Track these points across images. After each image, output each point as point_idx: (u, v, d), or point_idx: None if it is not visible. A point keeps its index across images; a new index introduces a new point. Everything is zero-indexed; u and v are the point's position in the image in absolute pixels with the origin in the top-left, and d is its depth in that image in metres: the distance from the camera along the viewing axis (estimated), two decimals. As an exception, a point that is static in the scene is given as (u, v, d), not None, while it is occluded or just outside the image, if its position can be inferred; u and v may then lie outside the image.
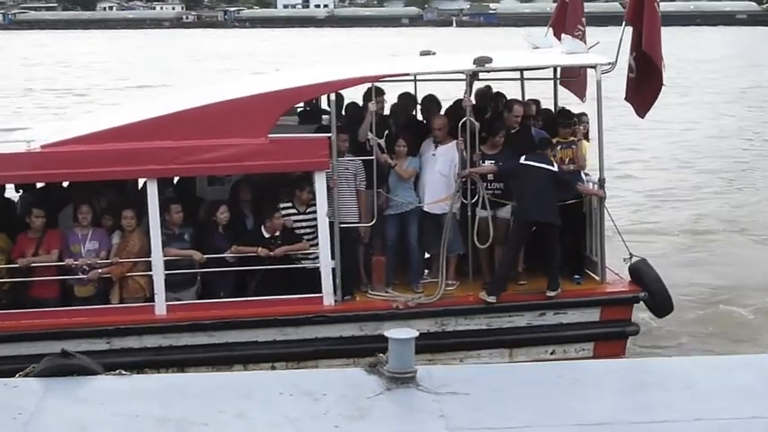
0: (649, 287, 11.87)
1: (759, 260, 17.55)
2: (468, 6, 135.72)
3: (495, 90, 13.36)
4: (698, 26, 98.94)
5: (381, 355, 8.32)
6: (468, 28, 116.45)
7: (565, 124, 12.29)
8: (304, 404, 8.03)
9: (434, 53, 13.55)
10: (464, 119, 11.70)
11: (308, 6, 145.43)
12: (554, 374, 8.56)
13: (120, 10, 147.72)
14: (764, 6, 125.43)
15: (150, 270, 11.27)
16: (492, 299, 11.56)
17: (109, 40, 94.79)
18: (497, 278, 11.61)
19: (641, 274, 11.90)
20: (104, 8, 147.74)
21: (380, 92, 12.04)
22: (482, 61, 11.67)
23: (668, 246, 18.47)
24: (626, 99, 12.46)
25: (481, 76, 12.83)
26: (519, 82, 13.99)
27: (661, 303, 12.02)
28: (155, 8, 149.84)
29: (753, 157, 29.34)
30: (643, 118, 12.72)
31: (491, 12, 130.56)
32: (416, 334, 8.11)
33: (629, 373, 8.78)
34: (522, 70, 13.33)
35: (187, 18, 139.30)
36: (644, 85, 12.09)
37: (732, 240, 19.45)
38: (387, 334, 8.06)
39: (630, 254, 12.10)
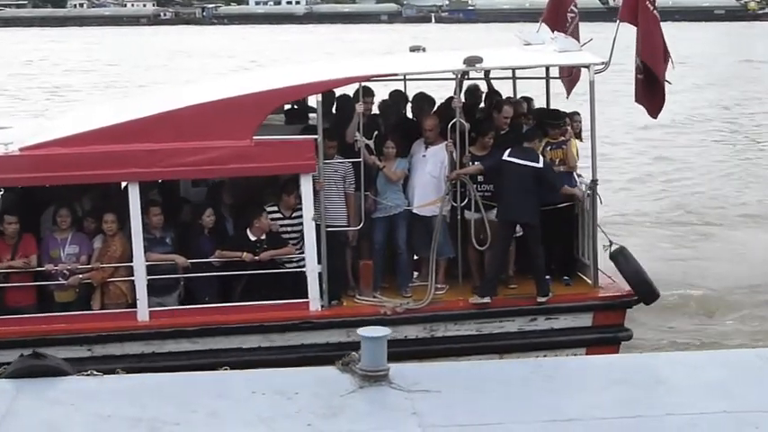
0: (629, 280, 12.04)
1: (736, 253, 18.12)
2: (447, 3, 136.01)
3: (484, 89, 13.17)
4: (676, 21, 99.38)
5: (354, 353, 8.56)
6: (447, 24, 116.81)
7: (554, 125, 12.21)
8: (276, 403, 8.18)
9: (424, 49, 13.45)
10: (454, 119, 11.54)
11: (279, 3, 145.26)
12: (526, 372, 8.79)
13: (90, 7, 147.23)
14: (742, 2, 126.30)
15: (132, 275, 11.27)
16: (486, 299, 11.75)
17: (87, 38, 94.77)
18: (488, 279, 11.60)
19: (620, 266, 12.06)
20: (75, 5, 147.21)
21: (370, 92, 12.06)
22: (472, 61, 11.75)
23: (645, 238, 18.86)
24: (636, 101, 12.60)
25: (472, 75, 12.73)
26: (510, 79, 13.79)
27: (644, 294, 12.16)
28: (125, 5, 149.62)
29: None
30: (656, 119, 12.90)
31: (470, 8, 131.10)
32: (389, 332, 8.34)
33: (600, 370, 9.00)
34: (513, 70, 13.19)
35: (165, 15, 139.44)
36: (651, 86, 12.23)
37: (710, 233, 20.22)
38: (359, 332, 8.30)
39: (610, 241, 12.28)
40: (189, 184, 12.49)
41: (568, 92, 13.74)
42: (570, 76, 13.33)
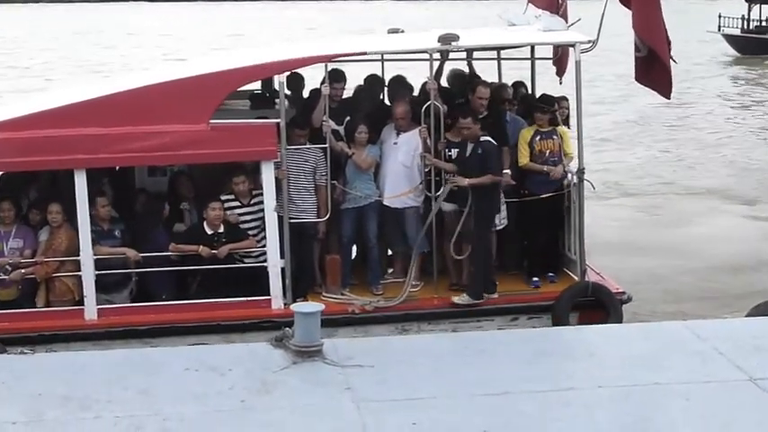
0: None
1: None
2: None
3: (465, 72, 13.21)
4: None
5: (288, 329, 9.37)
6: (400, 2, 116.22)
7: (543, 110, 12.08)
8: (209, 379, 8.90)
9: (403, 31, 13.43)
10: (428, 103, 11.45)
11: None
12: (458, 346, 9.55)
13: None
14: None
15: (79, 270, 11.67)
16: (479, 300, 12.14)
17: (29, 16, 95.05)
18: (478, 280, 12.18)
19: None
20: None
21: (340, 77, 12.06)
22: (448, 39, 11.99)
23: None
24: (637, 80, 13.07)
25: (452, 56, 13.39)
26: (496, 63, 13.87)
27: None
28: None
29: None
30: (669, 99, 13.25)
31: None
32: (322, 307, 9.32)
33: (532, 343, 9.71)
34: (492, 49, 13.20)
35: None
36: (657, 63, 12.59)
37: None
38: (293, 308, 9.26)
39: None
40: (145, 173, 12.40)
41: (560, 75, 13.58)
42: (557, 56, 13.22)
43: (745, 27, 61.08)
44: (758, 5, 61.04)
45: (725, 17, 61.11)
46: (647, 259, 17.29)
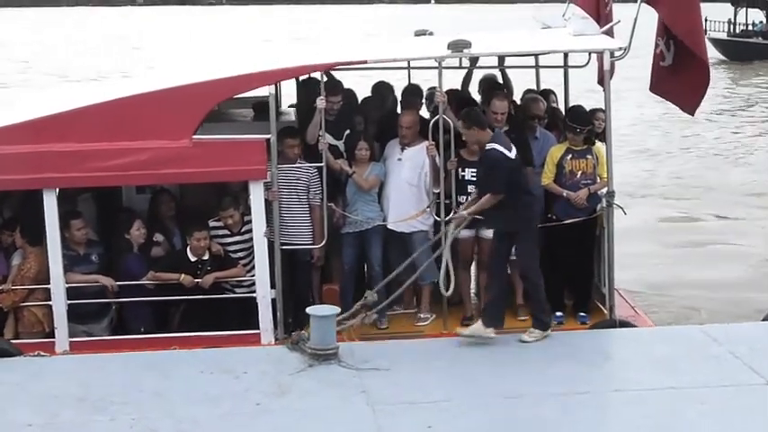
0: None
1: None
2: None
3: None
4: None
5: (303, 332, 10.01)
6: (448, 5, 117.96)
7: (576, 131, 11.62)
8: (225, 382, 9.47)
9: (431, 33, 13.47)
10: (436, 117, 11.25)
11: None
12: (474, 349, 9.91)
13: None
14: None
15: (50, 298, 12.12)
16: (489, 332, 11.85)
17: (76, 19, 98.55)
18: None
19: None
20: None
21: (337, 89, 11.82)
22: (459, 45, 11.98)
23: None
24: (653, 90, 13.37)
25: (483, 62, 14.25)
26: (534, 70, 15.22)
27: None
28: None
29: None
30: (693, 115, 13.75)
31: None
32: (338, 310, 9.84)
33: (548, 347, 10.15)
34: (509, 56, 13.03)
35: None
36: (685, 74, 12.93)
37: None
38: (309, 311, 9.83)
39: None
40: (132, 191, 12.69)
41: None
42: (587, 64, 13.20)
43: (732, 31, 65.42)
44: (744, 9, 65.35)
45: (711, 21, 65.00)
46: (671, 264, 18.54)
